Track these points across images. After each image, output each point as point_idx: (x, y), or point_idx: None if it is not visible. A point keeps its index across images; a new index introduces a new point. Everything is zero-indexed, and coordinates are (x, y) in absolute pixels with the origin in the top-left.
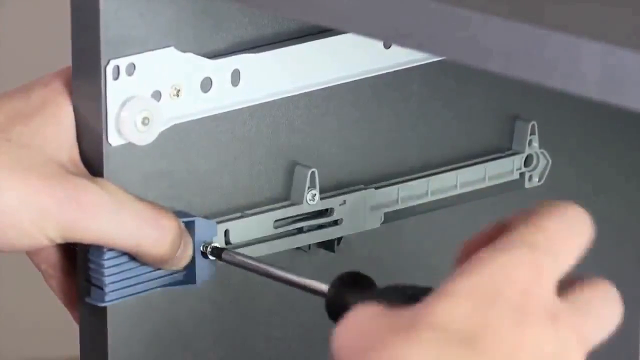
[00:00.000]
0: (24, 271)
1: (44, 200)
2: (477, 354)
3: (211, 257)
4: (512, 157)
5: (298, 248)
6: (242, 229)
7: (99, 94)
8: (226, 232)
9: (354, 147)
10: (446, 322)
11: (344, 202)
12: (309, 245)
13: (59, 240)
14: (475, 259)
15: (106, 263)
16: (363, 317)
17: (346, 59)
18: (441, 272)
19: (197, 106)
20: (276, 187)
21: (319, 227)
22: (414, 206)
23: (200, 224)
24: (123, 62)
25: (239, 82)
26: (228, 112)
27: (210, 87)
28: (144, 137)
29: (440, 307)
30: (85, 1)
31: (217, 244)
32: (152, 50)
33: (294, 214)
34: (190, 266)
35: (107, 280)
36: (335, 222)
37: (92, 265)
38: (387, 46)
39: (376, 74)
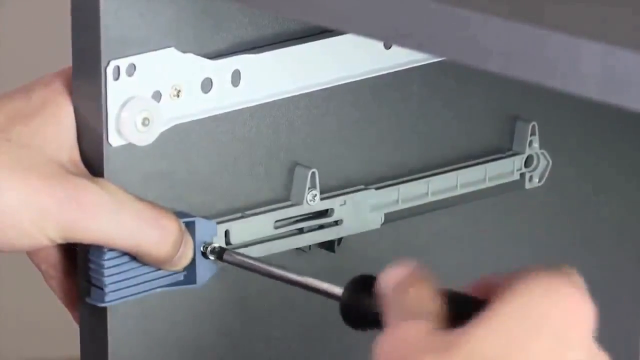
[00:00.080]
0: (24, 271)
1: (44, 200)
2: None
3: (212, 258)
4: (512, 158)
5: (298, 248)
6: (243, 230)
7: (99, 94)
8: (226, 233)
9: (354, 147)
10: (483, 352)
11: (345, 202)
12: (310, 246)
13: (59, 241)
14: (517, 284)
15: (106, 263)
16: (405, 332)
17: (346, 59)
18: (441, 273)
19: (197, 106)
20: (276, 188)
21: (320, 228)
22: (414, 207)
23: (200, 224)
24: (123, 63)
25: (239, 82)
26: (228, 112)
27: (211, 87)
28: (144, 137)
29: (478, 335)
30: (86, 1)
31: (217, 245)
32: (153, 50)
33: (295, 215)
34: (191, 267)
35: (107, 280)
36: (336, 223)
37: (92, 266)
38: (387, 47)
39: (376, 74)
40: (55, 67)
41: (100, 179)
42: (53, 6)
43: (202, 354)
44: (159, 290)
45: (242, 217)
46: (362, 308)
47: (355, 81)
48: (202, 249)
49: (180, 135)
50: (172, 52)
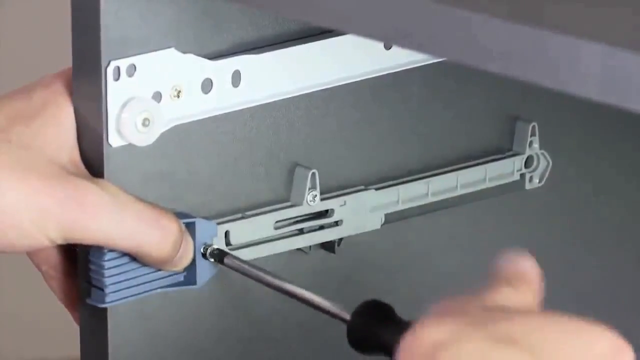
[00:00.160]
0: (24, 271)
1: (44, 200)
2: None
3: (212, 261)
4: (512, 158)
5: (298, 249)
6: (243, 230)
7: (99, 94)
8: (227, 233)
9: (354, 148)
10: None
11: (345, 203)
12: (310, 246)
13: (60, 241)
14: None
15: (107, 264)
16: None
17: (347, 60)
18: (442, 273)
19: (197, 107)
20: (277, 188)
21: (320, 228)
22: (414, 207)
23: (200, 225)
24: (123, 63)
25: (239, 83)
26: (229, 113)
27: (211, 88)
28: (145, 138)
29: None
30: (86, 1)
31: (217, 246)
32: (153, 51)
33: (295, 215)
34: (191, 267)
35: (107, 281)
36: (336, 223)
37: (92, 267)
38: (387, 47)
39: (377, 75)
40: (55, 67)
41: (100, 180)
42: (53, 6)
43: (202, 354)
44: (159, 290)
45: (242, 217)
46: (371, 336)
47: (355, 82)
48: (202, 249)
49: (180, 136)
50: (172, 53)
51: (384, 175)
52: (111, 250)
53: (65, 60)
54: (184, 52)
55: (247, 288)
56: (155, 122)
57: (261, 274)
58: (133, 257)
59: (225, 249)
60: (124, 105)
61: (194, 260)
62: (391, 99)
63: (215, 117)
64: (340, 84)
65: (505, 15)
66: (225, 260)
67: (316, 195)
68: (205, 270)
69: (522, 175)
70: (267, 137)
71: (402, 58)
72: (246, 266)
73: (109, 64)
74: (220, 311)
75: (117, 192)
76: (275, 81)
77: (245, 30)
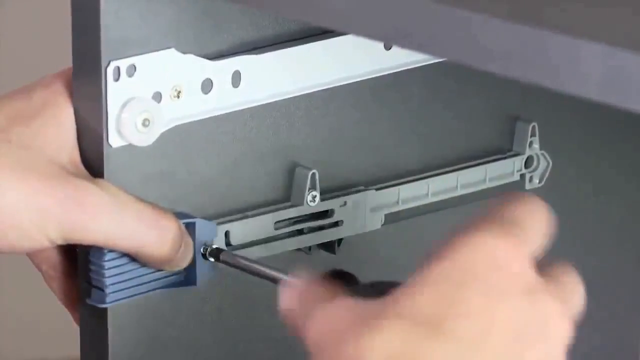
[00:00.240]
0: (24, 271)
1: (44, 201)
2: (444, 335)
3: (211, 260)
4: (512, 159)
5: (298, 249)
6: (243, 230)
7: (99, 95)
8: (227, 234)
9: (354, 148)
10: (412, 310)
11: (345, 203)
12: (310, 247)
13: (60, 242)
14: (445, 244)
15: (107, 264)
16: (333, 310)
17: (347, 60)
18: None
19: (197, 107)
20: (277, 189)
21: (320, 229)
22: (414, 207)
23: (200, 225)
24: (124, 64)
25: (239, 83)
26: (229, 113)
27: (211, 88)
28: (145, 138)
29: (406, 296)
30: (86, 2)
31: (217, 246)
32: (153, 51)
33: (295, 215)
34: (191, 267)
35: (107, 281)
36: (336, 224)
37: (92, 267)
38: (387, 47)
39: (377, 75)
40: (55, 67)
41: (100, 180)
42: (53, 6)
43: (202, 354)
44: (159, 291)
45: (242, 218)
46: None
47: (355, 82)
48: (202, 249)
49: (180, 136)
50: (172, 53)
51: (384, 175)
52: (111, 251)
53: (65, 60)
54: (184, 52)
55: (247, 288)
56: (155, 122)
57: (256, 266)
58: (133, 258)
59: (225, 249)
60: (124, 105)
61: (193, 260)
62: (391, 99)
63: (215, 117)
64: (340, 84)
65: (505, 15)
66: (221, 256)
67: (316, 196)
68: (205, 270)
69: (522, 176)
70: (267, 137)
71: (402, 58)
72: (242, 260)
73: (109, 64)
74: (220, 311)
75: (117, 192)
76: (275, 81)
77: (245, 30)
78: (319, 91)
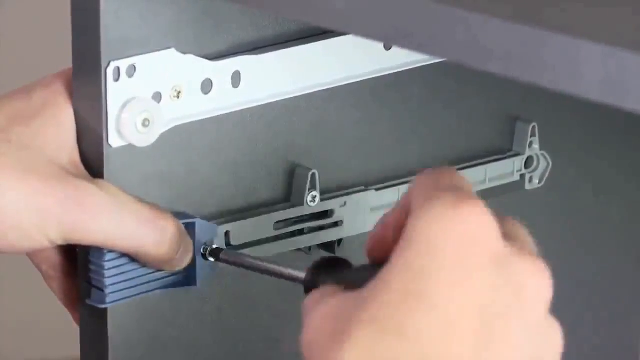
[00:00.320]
0: (24, 271)
1: (44, 201)
2: (408, 340)
3: (211, 260)
4: (512, 159)
5: (298, 249)
6: (243, 231)
7: (99, 95)
8: (227, 234)
9: (354, 148)
10: (378, 312)
11: (345, 203)
12: (310, 247)
13: (60, 242)
14: (405, 230)
15: (107, 264)
16: (315, 318)
17: (347, 60)
18: None
19: (197, 108)
20: (277, 189)
21: (320, 229)
22: None
23: (200, 225)
24: (123, 64)
25: (239, 83)
26: (229, 113)
27: (211, 88)
28: (145, 138)
29: (374, 295)
30: (86, 2)
31: (217, 246)
32: (153, 51)
33: (295, 216)
34: (191, 268)
35: (107, 281)
36: (336, 224)
37: (92, 267)
38: (387, 48)
39: (377, 75)
40: (55, 67)
41: (100, 180)
42: (53, 6)
43: (202, 354)
44: (159, 291)
45: (242, 218)
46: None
47: (355, 82)
48: (202, 250)
49: (180, 136)
50: (172, 53)
51: (384, 175)
52: (111, 251)
53: (65, 60)
54: (184, 53)
55: (247, 288)
56: (155, 122)
57: (257, 262)
58: (133, 258)
59: (225, 249)
60: (124, 105)
61: (193, 261)
62: (391, 99)
63: (215, 117)
64: (340, 84)
65: (505, 15)
66: (221, 255)
67: (316, 196)
68: (205, 271)
69: (522, 176)
70: (267, 137)
71: (402, 58)
72: (242, 258)
73: (108, 64)
74: (220, 311)
75: (117, 192)
76: (275, 81)
77: (245, 30)
78: (319, 91)
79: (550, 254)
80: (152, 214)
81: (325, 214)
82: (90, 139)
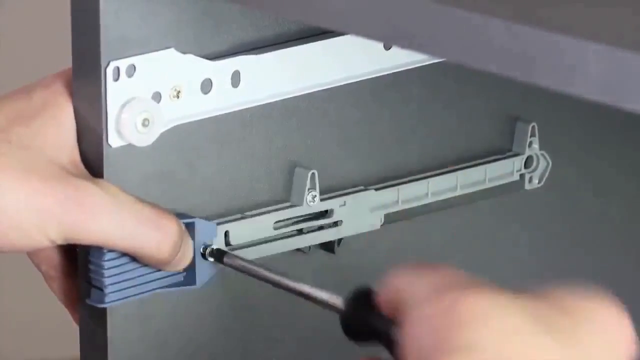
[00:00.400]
0: (24, 271)
1: (44, 201)
2: None
3: (210, 260)
4: (512, 159)
5: (298, 249)
6: (242, 231)
7: (99, 95)
8: (226, 234)
9: (354, 148)
10: None
11: (344, 203)
12: (309, 247)
13: (60, 242)
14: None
15: (106, 264)
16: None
17: (346, 60)
18: None
19: (197, 107)
20: (276, 189)
21: (319, 229)
22: (414, 207)
23: (200, 225)
24: (123, 64)
25: (239, 83)
26: (228, 113)
27: (211, 88)
28: (144, 138)
29: None
30: (86, 2)
31: (217, 246)
32: (153, 51)
33: (294, 215)
34: (191, 267)
35: (107, 281)
36: (335, 224)
37: (92, 267)
38: (387, 48)
39: (376, 75)
40: (55, 67)
41: (100, 180)
42: (53, 6)
43: (202, 354)
44: (159, 291)
45: (241, 218)
46: (365, 323)
47: (355, 82)
48: (202, 250)
49: (180, 136)
50: (172, 53)
51: (384, 175)
52: (111, 251)
53: (65, 60)
54: (184, 53)
55: (247, 288)
56: (155, 122)
57: (261, 270)
58: (133, 257)
59: (225, 249)
60: (124, 105)
61: (193, 261)
62: (391, 99)
63: (215, 117)
64: (340, 84)
65: (505, 15)
66: (225, 259)
67: (316, 196)
68: (205, 271)
69: (522, 176)
70: (267, 137)
71: (402, 58)
72: (246, 264)
73: (108, 64)
74: (220, 311)
75: (117, 192)
76: (275, 81)
77: (245, 30)
78: (318, 91)
79: (549, 254)
80: (152, 214)
81: (325, 213)
82: (90, 139)
